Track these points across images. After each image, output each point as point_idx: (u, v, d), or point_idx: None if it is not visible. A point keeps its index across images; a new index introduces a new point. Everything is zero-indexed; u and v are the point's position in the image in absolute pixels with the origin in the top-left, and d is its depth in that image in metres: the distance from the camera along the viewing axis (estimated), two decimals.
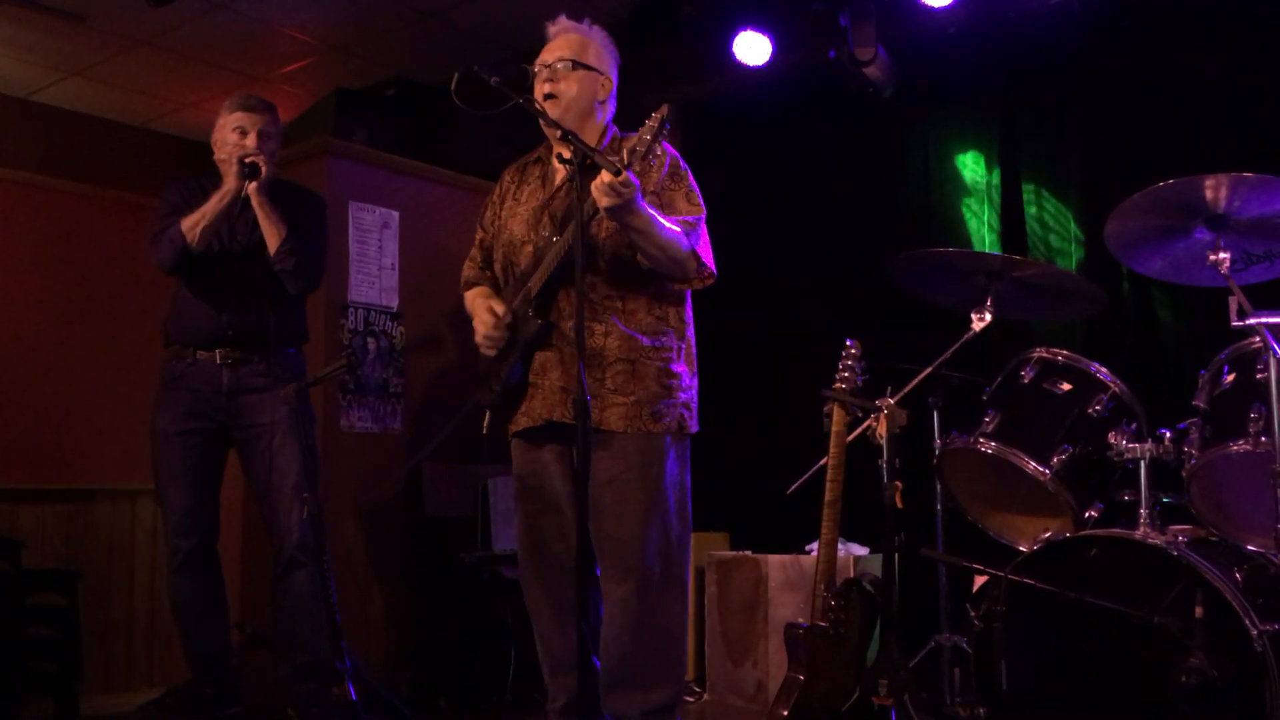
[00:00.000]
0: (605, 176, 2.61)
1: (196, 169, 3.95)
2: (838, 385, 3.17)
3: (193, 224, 3.54)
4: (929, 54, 4.48)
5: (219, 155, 3.68)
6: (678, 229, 2.84)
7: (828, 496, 3.08)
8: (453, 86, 2.71)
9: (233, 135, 3.64)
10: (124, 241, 5.03)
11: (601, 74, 3.01)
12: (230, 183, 3.54)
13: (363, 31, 4.88)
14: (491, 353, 2.97)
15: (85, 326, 5.10)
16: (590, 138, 2.92)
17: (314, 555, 3.41)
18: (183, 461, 3.62)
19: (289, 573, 3.56)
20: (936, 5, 4.19)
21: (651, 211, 2.77)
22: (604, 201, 2.64)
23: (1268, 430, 2.50)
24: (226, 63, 5.08)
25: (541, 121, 2.88)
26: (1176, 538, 2.75)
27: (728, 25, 4.56)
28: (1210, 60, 3.90)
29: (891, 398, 3.05)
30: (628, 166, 2.61)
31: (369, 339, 4.50)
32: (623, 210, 2.65)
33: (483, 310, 3.01)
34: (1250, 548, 2.74)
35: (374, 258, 4.55)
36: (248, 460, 3.67)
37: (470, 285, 3.18)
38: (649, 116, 2.66)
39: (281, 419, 3.54)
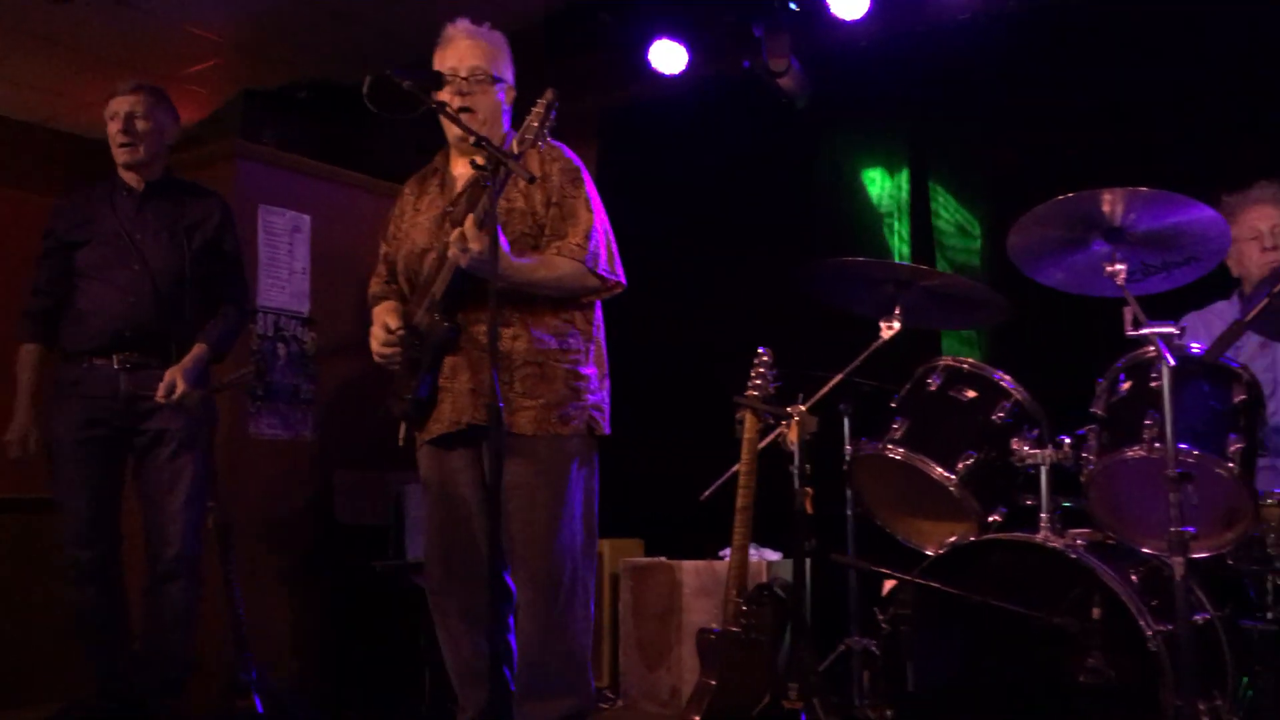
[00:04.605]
0: (456, 232, 2.68)
1: (98, 169, 3.87)
2: (750, 392, 3.20)
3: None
4: (842, 66, 4.55)
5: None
6: (564, 265, 2.86)
7: (739, 503, 3.10)
8: (365, 90, 2.68)
9: (110, 125, 3.62)
10: (20, 242, 4.87)
11: (508, 82, 3.02)
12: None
13: (273, 32, 4.81)
14: (393, 367, 2.96)
15: None
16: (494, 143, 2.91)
17: (190, 567, 3.37)
18: (81, 470, 3.51)
19: (163, 584, 3.48)
20: (849, 18, 4.26)
21: (525, 261, 2.81)
22: (462, 260, 2.70)
23: (1161, 437, 2.56)
24: (131, 61, 4.97)
25: (451, 127, 2.88)
26: (1075, 541, 2.81)
27: (644, 34, 4.59)
28: (1112, 76, 4.02)
29: (803, 404, 3.09)
30: (520, 155, 2.62)
31: (279, 344, 4.43)
32: (485, 269, 2.60)
33: (378, 325, 3.00)
34: (1145, 550, 2.81)
35: (284, 262, 4.48)
36: (142, 466, 3.56)
37: (377, 300, 3.15)
38: (534, 103, 2.67)
39: (181, 427, 3.46)
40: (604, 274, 2.92)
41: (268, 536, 4.32)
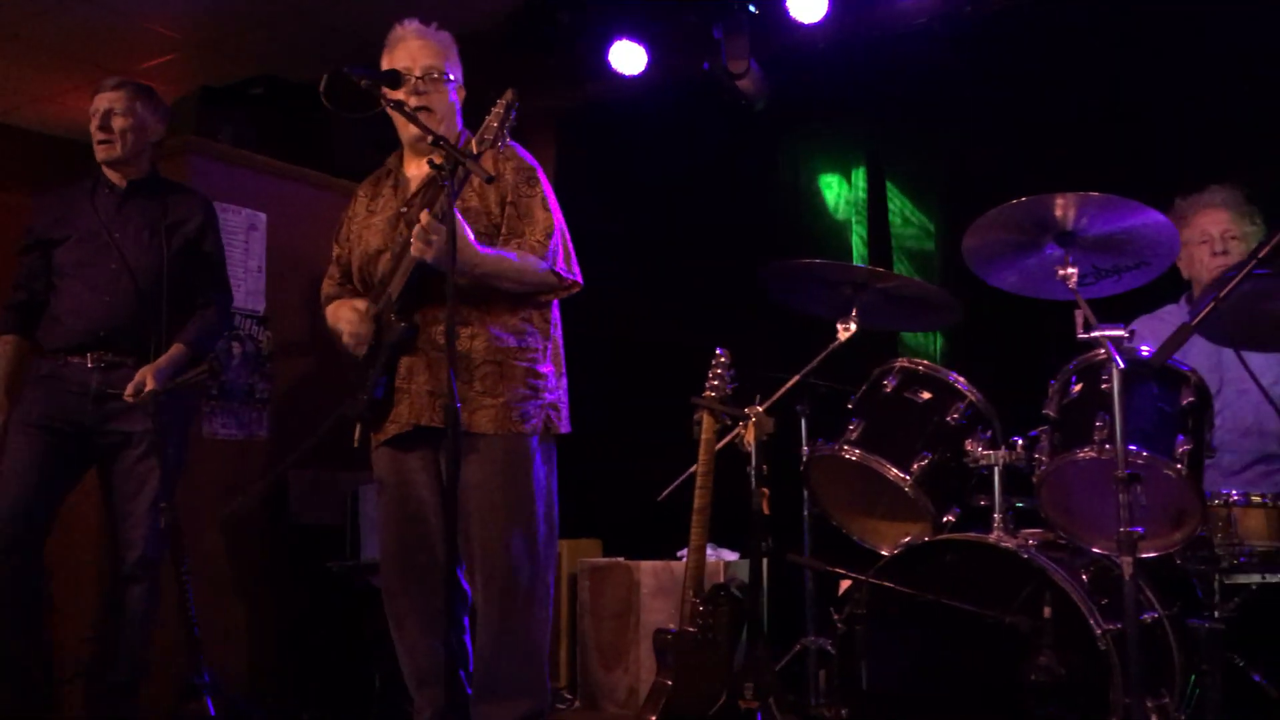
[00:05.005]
0: (417, 228, 2.65)
1: (53, 165, 3.82)
2: (707, 393, 3.20)
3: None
4: (801, 68, 4.58)
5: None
6: (528, 257, 2.85)
7: (697, 503, 3.11)
8: (322, 88, 2.67)
9: (91, 121, 3.56)
10: None
11: (459, 81, 3.02)
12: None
13: (230, 27, 4.76)
14: (362, 349, 2.93)
15: None
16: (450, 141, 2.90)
17: (152, 571, 3.32)
18: (32, 443, 3.41)
19: (125, 586, 3.43)
20: (807, 21, 4.29)
21: (491, 252, 2.79)
22: (426, 254, 2.67)
23: (1111, 438, 2.60)
24: (85, 55, 4.90)
25: (407, 127, 2.86)
26: (1027, 541, 2.85)
27: (604, 34, 4.60)
28: (1069, 80, 4.07)
29: (760, 405, 3.10)
30: (478, 155, 2.60)
31: (233, 343, 4.38)
32: (448, 262, 2.53)
33: (346, 309, 2.98)
34: (1095, 550, 2.85)
35: (240, 260, 4.43)
36: (108, 468, 3.51)
37: (330, 301, 3.13)
38: (494, 103, 2.66)
39: (151, 429, 3.41)
40: (561, 273, 2.92)
41: (220, 537, 4.28)
